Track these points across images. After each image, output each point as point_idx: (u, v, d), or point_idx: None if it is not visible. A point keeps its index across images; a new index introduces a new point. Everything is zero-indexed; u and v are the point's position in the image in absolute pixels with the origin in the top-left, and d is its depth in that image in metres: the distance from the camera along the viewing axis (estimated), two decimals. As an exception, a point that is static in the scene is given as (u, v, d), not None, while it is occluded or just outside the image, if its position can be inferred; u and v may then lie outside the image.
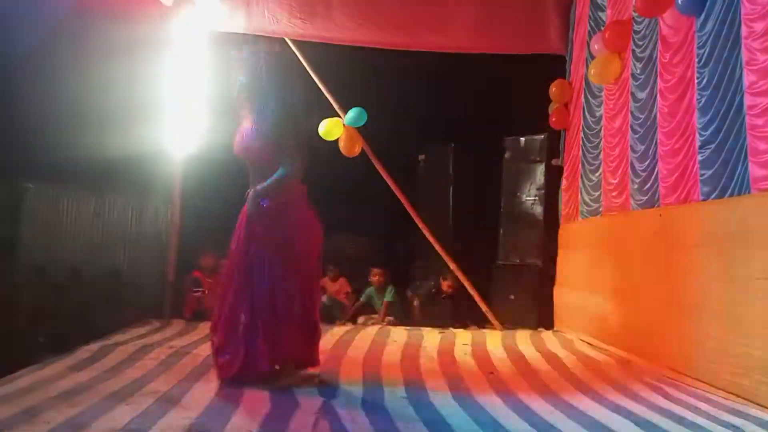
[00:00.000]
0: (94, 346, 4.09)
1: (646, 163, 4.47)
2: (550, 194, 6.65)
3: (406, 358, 4.40)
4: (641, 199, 4.54)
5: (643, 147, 4.53)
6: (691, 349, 3.70)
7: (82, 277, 6.04)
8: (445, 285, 6.53)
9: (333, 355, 4.31)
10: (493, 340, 5.26)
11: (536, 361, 4.42)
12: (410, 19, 6.50)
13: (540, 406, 3.11)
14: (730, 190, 3.42)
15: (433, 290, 6.72)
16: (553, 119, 6.46)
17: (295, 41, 6.50)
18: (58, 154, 5.37)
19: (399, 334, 5.44)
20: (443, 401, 3.17)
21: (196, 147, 6.12)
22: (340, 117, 6.61)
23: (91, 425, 2.50)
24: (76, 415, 2.62)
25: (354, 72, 6.72)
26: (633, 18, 4.77)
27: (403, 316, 6.70)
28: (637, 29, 4.70)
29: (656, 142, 4.31)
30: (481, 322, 6.30)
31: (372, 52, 6.60)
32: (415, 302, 6.84)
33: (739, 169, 3.31)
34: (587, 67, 5.57)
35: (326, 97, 6.62)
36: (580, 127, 5.95)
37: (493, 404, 3.13)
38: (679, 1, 3.85)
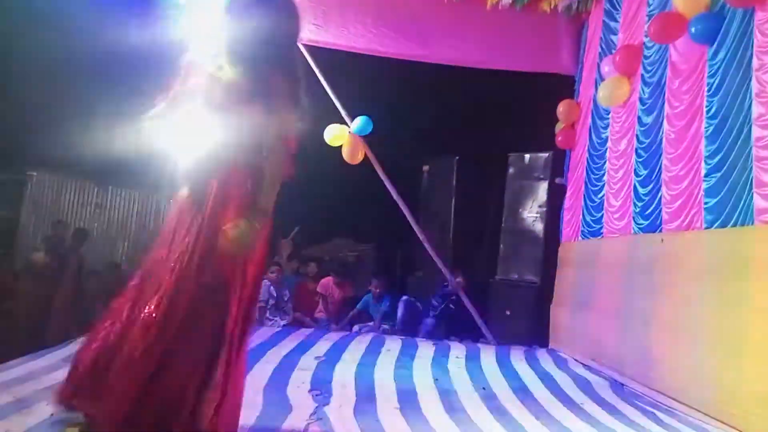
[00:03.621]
0: (88, 339, 4.07)
1: (649, 187, 4.47)
2: (552, 212, 6.65)
3: (400, 368, 4.39)
4: (643, 223, 4.55)
5: (646, 171, 4.54)
6: (685, 376, 3.70)
7: (80, 267, 6.04)
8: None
9: (327, 360, 4.32)
10: (487, 355, 5.26)
11: (529, 379, 4.41)
12: (423, 31, 6.52)
13: (532, 425, 3.11)
14: (733, 221, 3.42)
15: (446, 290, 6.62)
16: (560, 138, 6.47)
17: (306, 46, 6.53)
18: (64, 145, 5.39)
19: (393, 343, 5.43)
20: (435, 414, 3.17)
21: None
22: (346, 124, 6.62)
23: (82, 419, 2.49)
24: (69, 408, 2.61)
25: (363, 80, 6.73)
26: (644, 43, 4.79)
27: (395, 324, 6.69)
28: (648, 54, 4.71)
29: (660, 167, 4.32)
30: (476, 336, 6.29)
31: (382, 61, 6.62)
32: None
33: (744, 199, 3.32)
34: (596, 88, 5.59)
35: (333, 103, 6.63)
36: (586, 148, 5.96)
37: (485, 421, 3.13)
38: (693, 30, 3.87)
